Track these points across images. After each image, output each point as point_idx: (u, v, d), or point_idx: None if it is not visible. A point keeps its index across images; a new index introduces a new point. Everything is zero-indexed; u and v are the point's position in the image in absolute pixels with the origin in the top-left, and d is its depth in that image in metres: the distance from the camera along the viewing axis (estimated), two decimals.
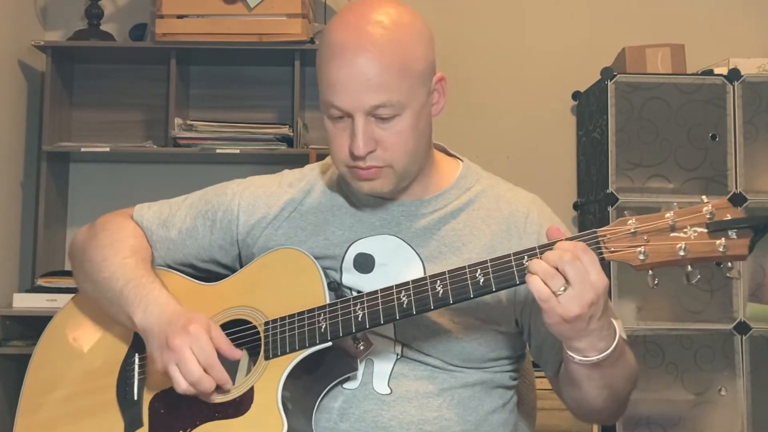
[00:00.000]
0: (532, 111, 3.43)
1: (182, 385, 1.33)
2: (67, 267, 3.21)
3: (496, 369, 1.47)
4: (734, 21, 3.43)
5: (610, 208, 2.95)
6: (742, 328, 2.95)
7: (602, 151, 3.05)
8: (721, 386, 2.96)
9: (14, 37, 3.20)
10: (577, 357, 1.28)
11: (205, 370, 1.33)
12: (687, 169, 2.99)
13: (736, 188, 2.95)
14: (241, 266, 1.54)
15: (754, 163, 3.02)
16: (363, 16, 1.37)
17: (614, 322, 1.30)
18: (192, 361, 1.32)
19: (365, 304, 1.34)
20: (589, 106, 3.26)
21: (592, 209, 3.17)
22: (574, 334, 1.24)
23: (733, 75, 3.02)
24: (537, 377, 1.69)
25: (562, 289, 1.20)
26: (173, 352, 1.33)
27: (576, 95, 3.41)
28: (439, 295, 1.30)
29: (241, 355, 1.39)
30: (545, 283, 1.20)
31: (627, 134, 3.02)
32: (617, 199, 2.96)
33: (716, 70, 3.08)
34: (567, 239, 1.26)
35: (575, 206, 3.36)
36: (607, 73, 3.05)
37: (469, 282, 1.28)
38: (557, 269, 1.20)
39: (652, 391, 2.95)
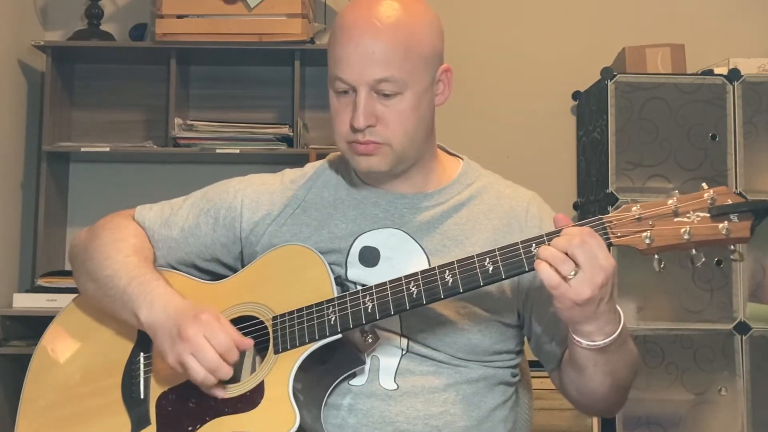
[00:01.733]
0: (532, 111, 3.43)
1: (200, 374, 1.33)
2: (68, 267, 3.21)
3: (499, 364, 1.48)
4: (734, 21, 3.43)
5: (610, 208, 2.94)
6: (742, 328, 2.95)
7: (602, 151, 3.05)
8: (721, 386, 2.96)
9: (14, 37, 3.20)
10: (585, 342, 1.30)
11: (221, 357, 1.34)
12: (687, 169, 2.99)
13: (736, 188, 2.95)
14: (243, 265, 1.54)
15: (754, 163, 3.02)
16: (376, 0, 1.42)
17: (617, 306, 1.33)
18: (208, 348, 1.33)
19: (374, 296, 1.35)
20: (589, 106, 3.26)
21: (592, 209, 3.17)
22: (584, 318, 1.27)
23: (733, 75, 3.02)
24: (535, 377, 1.70)
25: (573, 273, 1.23)
26: (187, 342, 1.33)
27: (576, 95, 3.41)
28: (449, 284, 1.32)
29: (252, 343, 1.39)
30: (556, 269, 1.23)
31: (627, 134, 3.02)
32: (617, 199, 2.96)
33: (716, 70, 3.08)
34: (573, 225, 1.29)
35: (575, 206, 3.37)
36: (607, 73, 3.05)
37: (479, 270, 1.31)
38: (567, 254, 1.23)
39: (652, 391, 2.95)
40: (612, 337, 1.30)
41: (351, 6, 1.45)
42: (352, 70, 1.40)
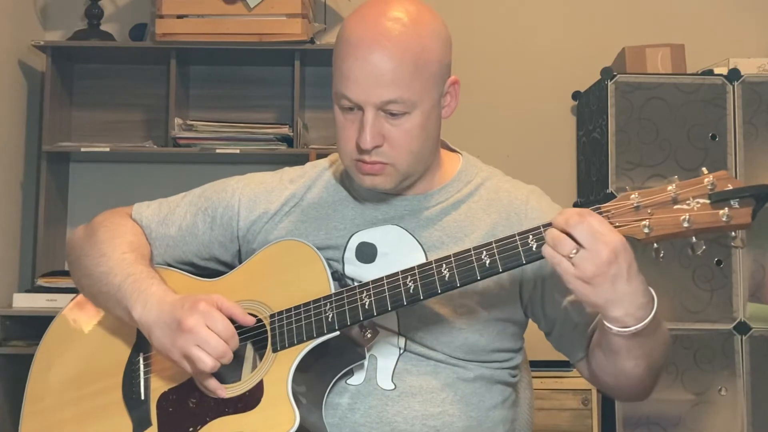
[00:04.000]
0: (532, 111, 3.43)
1: (210, 363, 1.32)
2: (68, 267, 3.21)
3: (497, 364, 1.47)
4: (734, 21, 3.43)
5: None
6: (742, 328, 2.95)
7: (602, 151, 3.05)
8: (721, 386, 2.96)
9: (14, 37, 3.20)
10: (615, 328, 1.25)
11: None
12: (687, 169, 2.98)
13: None
14: (241, 263, 1.53)
15: (754, 163, 3.02)
16: (381, 11, 1.38)
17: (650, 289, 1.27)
18: (213, 336, 1.32)
19: (371, 292, 1.33)
20: (589, 106, 3.26)
21: None
22: (603, 299, 1.21)
23: (733, 75, 3.02)
24: (535, 377, 1.69)
25: (574, 251, 1.19)
26: (190, 333, 1.32)
27: (576, 95, 3.41)
28: (446, 278, 1.29)
29: (253, 321, 1.39)
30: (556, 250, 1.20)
31: (627, 134, 3.02)
32: None
33: (716, 70, 3.08)
34: None
35: (575, 206, 3.35)
36: (607, 73, 3.05)
37: (475, 264, 1.28)
38: (566, 233, 1.20)
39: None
40: (644, 323, 1.24)
41: (356, 18, 1.40)
42: (359, 89, 1.35)
